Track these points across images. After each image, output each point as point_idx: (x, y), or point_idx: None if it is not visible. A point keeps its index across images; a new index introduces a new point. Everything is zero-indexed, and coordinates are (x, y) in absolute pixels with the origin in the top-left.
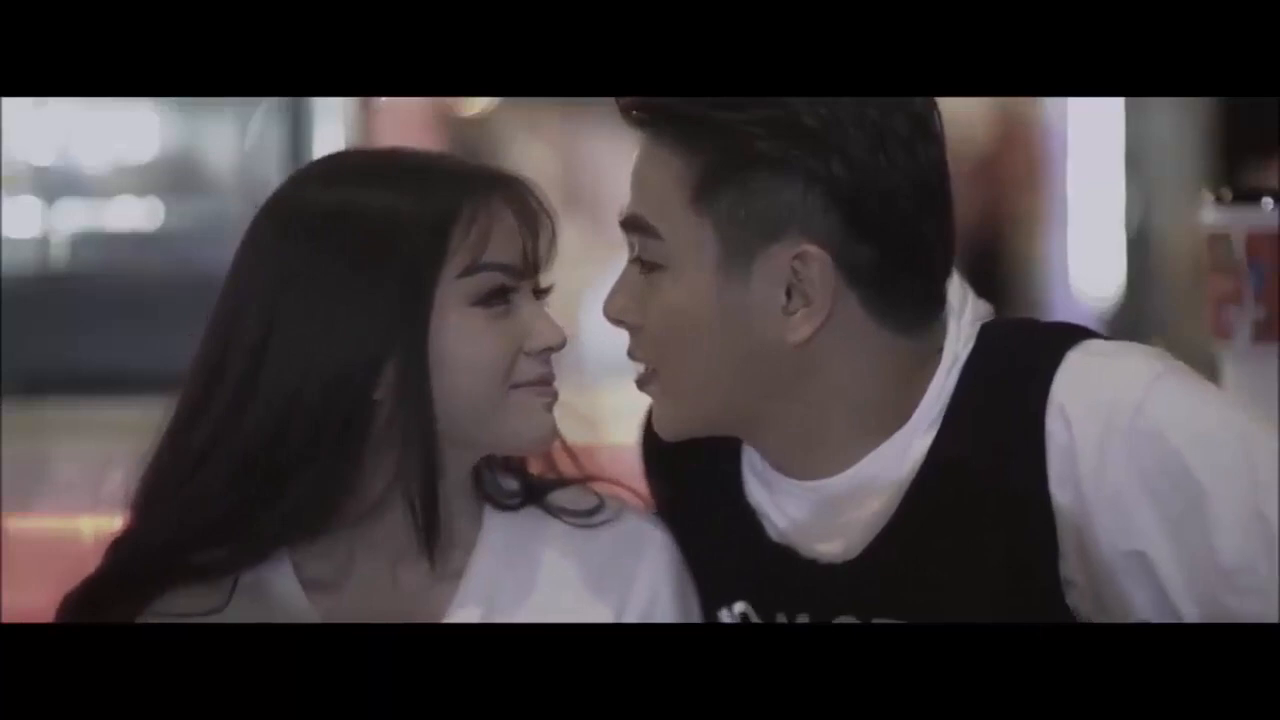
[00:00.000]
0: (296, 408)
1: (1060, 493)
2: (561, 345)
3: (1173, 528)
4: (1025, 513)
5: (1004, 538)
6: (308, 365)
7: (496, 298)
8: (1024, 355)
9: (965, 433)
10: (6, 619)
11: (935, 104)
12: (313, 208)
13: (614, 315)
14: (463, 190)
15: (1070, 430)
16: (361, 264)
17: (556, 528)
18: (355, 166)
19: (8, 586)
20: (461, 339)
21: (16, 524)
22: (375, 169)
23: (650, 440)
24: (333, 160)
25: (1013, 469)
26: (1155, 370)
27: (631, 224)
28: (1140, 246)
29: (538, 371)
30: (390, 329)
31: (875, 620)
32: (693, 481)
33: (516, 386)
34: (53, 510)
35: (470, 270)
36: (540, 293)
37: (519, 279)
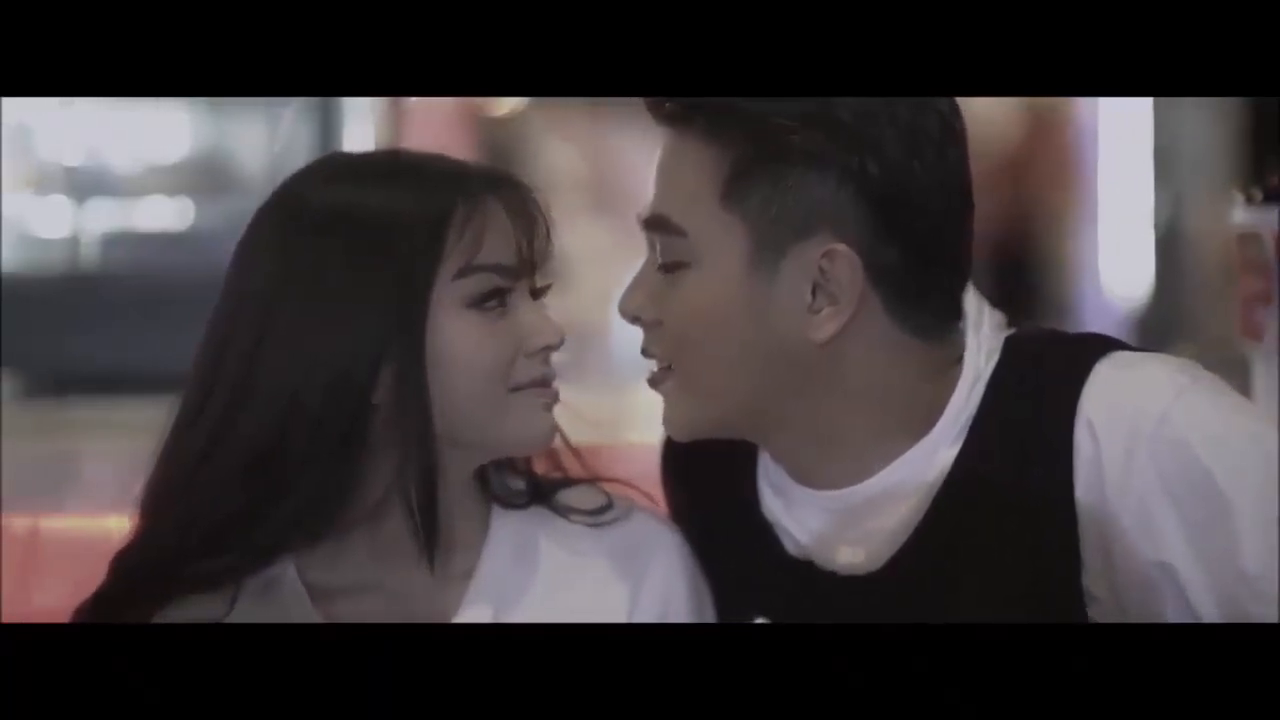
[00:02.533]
0: (294, 410)
1: (1085, 504)
2: (559, 344)
3: (1197, 536)
4: (1049, 525)
5: (1027, 551)
6: (305, 367)
7: (492, 299)
8: (1051, 368)
9: (992, 445)
10: (32, 619)
11: (958, 106)
12: (310, 208)
13: (631, 312)
14: (457, 191)
15: (1097, 442)
16: (358, 265)
17: (565, 527)
18: (352, 167)
19: (35, 587)
20: (458, 340)
21: (45, 523)
22: (371, 170)
23: (669, 451)
24: (330, 161)
25: (1039, 482)
26: (1181, 382)
27: (655, 223)
28: (1170, 247)
29: (537, 372)
30: (387, 331)
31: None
32: (707, 495)
33: (516, 388)
34: (80, 510)
35: (465, 272)
36: (537, 292)
37: (515, 279)
